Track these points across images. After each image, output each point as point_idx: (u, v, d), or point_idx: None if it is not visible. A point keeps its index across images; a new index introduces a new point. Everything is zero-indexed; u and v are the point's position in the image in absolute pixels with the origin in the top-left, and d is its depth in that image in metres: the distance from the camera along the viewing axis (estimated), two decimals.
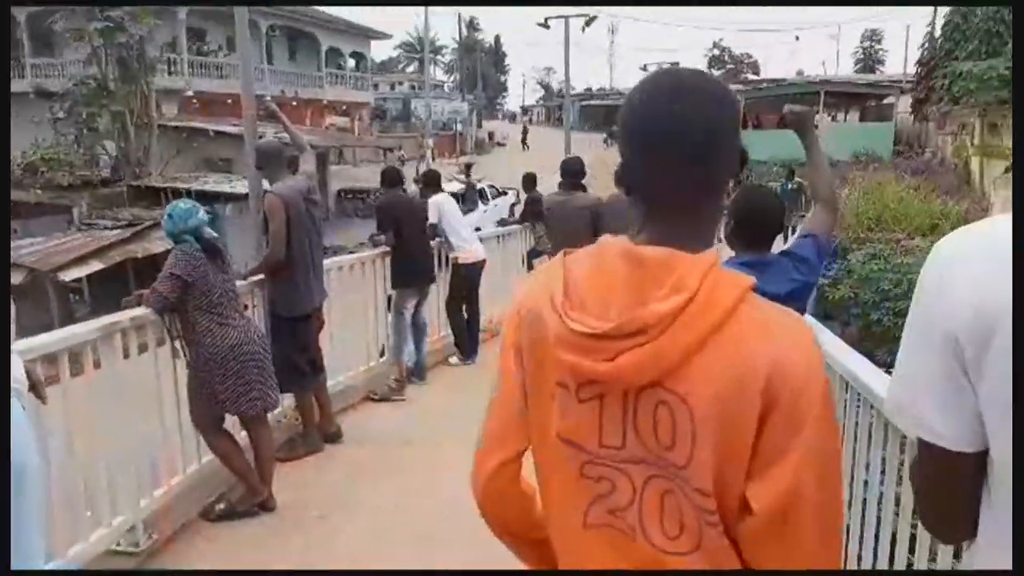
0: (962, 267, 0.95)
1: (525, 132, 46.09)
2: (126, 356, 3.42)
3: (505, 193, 20.85)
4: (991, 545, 0.99)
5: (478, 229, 9.05)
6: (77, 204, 19.47)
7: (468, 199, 19.64)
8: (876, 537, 2.31)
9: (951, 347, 0.94)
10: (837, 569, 1.04)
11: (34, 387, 2.48)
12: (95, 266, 14.60)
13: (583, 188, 6.27)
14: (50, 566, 2.58)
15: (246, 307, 3.86)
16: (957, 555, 1.74)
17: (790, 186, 14.70)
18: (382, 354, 6.15)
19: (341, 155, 31.99)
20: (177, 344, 3.59)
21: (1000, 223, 0.96)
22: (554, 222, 6.03)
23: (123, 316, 3.42)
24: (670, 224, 1.04)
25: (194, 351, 3.55)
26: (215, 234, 3.72)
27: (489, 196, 20.86)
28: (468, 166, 26.95)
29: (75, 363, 3.14)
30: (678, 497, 1.01)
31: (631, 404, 1.01)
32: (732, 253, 2.48)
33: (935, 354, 0.96)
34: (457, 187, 20.25)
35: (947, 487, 1.03)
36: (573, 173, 6.15)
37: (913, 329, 1.01)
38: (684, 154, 1.01)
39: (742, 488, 0.97)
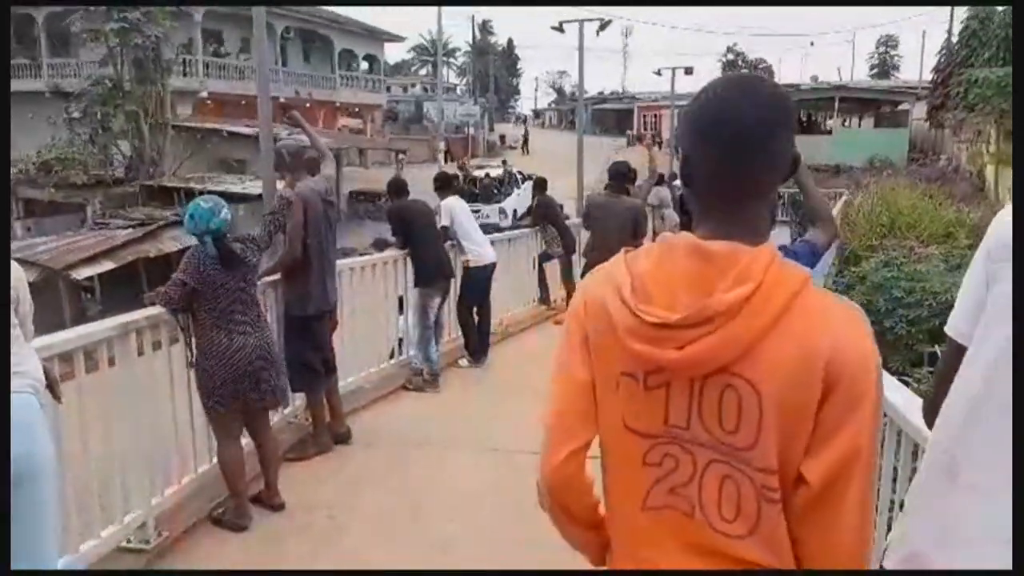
0: (1000, 216, 1.24)
1: (526, 137, 45.56)
2: (140, 354, 3.44)
3: (531, 178, 21.71)
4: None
5: (514, 212, 9.44)
6: (90, 203, 19.63)
7: (510, 183, 22.93)
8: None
9: (984, 258, 1.23)
10: (867, 543, 1.12)
11: (50, 386, 2.51)
12: (107, 265, 14.71)
13: (627, 191, 6.50)
14: (59, 564, 2.60)
15: (259, 315, 3.76)
16: None
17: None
18: (392, 356, 6.18)
19: (362, 155, 32.10)
20: (189, 343, 3.60)
21: None
22: (599, 220, 6.23)
23: (139, 315, 3.44)
24: (730, 218, 1.11)
25: (199, 352, 3.54)
26: (240, 234, 3.72)
27: (519, 182, 23.02)
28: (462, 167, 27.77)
29: (90, 360, 3.16)
30: (737, 482, 1.08)
31: (697, 391, 1.09)
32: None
33: (976, 266, 1.25)
34: (496, 173, 24.44)
35: (948, 379, 1.24)
36: (620, 176, 6.43)
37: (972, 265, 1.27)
38: (746, 149, 1.09)
39: (799, 464, 1.06)
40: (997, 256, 1.20)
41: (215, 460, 3.78)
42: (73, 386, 3.04)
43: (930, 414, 1.31)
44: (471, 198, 21.93)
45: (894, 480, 2.29)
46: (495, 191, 22.89)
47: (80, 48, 23.70)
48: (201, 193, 19.77)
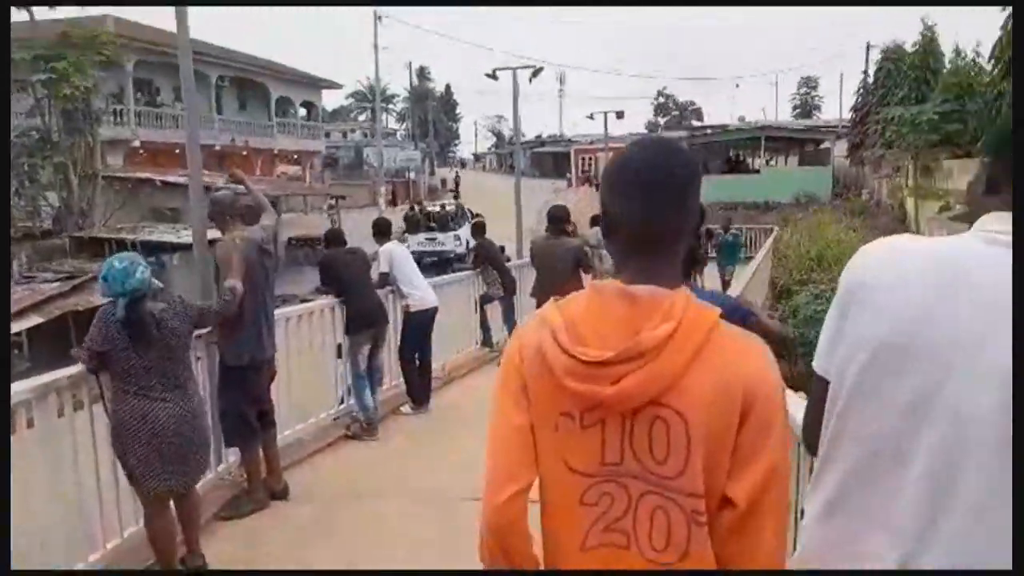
0: (860, 259, 1.24)
1: (457, 181, 45.67)
2: (60, 415, 3.31)
3: (480, 215, 24.15)
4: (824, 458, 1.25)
5: (466, 242, 9.83)
6: (17, 257, 18.91)
7: (460, 216, 25.11)
8: None
9: (843, 298, 1.23)
10: (785, 547, 1.21)
11: None
12: (34, 320, 14.15)
13: (567, 233, 6.83)
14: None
15: (186, 379, 3.49)
16: None
17: (729, 237, 15.05)
18: (342, 402, 6.10)
19: (305, 201, 31.77)
20: (106, 408, 3.37)
21: (899, 236, 1.29)
22: (543, 261, 6.46)
23: (60, 374, 3.32)
24: (649, 263, 1.23)
25: (115, 419, 3.29)
26: (159, 287, 3.44)
27: (470, 215, 24.39)
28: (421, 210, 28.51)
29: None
30: (667, 511, 1.18)
31: (628, 426, 1.18)
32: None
33: (835, 307, 1.25)
34: (450, 208, 27.14)
35: (816, 407, 1.29)
36: (559, 219, 6.73)
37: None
38: (665, 200, 1.23)
39: (721, 488, 1.17)
40: (848, 298, 1.24)
41: (141, 523, 3.64)
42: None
43: (809, 439, 1.36)
44: (428, 228, 24.69)
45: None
46: (449, 221, 25.18)
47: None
48: (133, 244, 19.27)
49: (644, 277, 1.21)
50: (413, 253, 23.86)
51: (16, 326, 13.97)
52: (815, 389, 1.30)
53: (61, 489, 3.28)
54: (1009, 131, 1.25)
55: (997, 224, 1.17)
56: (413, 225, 25.40)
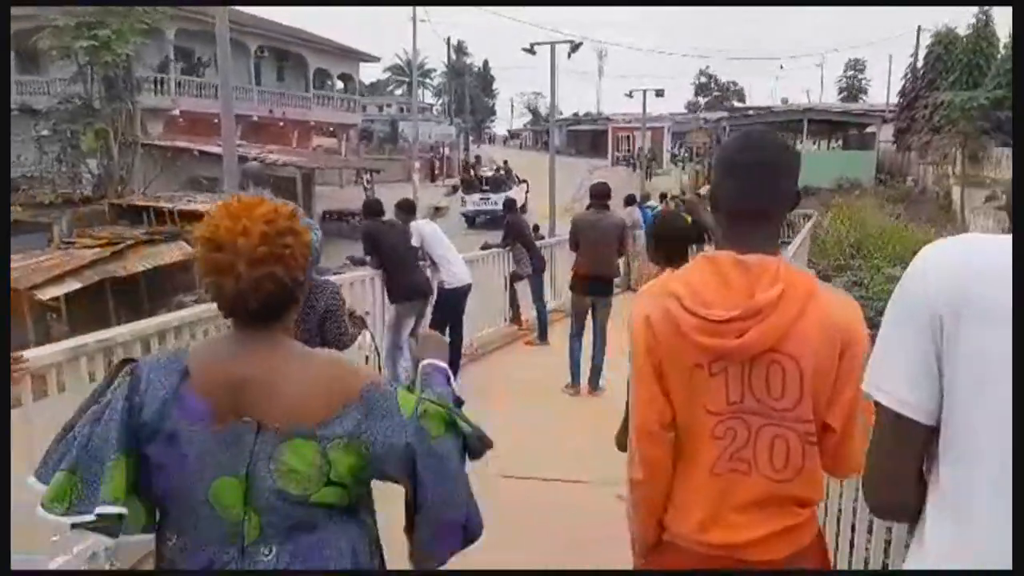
0: (938, 257, 1.11)
1: (508, 169, 43.48)
2: (92, 380, 3.33)
3: (526, 180, 29.52)
4: (937, 519, 1.11)
5: (513, 201, 10.25)
6: (57, 222, 19.29)
7: (509, 179, 29.32)
8: None
9: (932, 328, 1.07)
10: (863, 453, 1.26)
11: None
12: (73, 285, 14.43)
13: (608, 208, 6.94)
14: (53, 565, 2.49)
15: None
16: None
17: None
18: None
19: (349, 176, 31.98)
20: None
21: (973, 236, 1.19)
22: (589, 235, 6.55)
23: (89, 338, 3.35)
24: (754, 235, 1.51)
25: None
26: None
27: (517, 179, 29.76)
28: (455, 188, 29.00)
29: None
30: (785, 438, 1.47)
31: (747, 371, 1.46)
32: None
33: (915, 333, 1.09)
34: (501, 172, 31.18)
35: (900, 455, 1.13)
36: (602, 195, 6.87)
37: (895, 315, 1.15)
38: (771, 180, 1.53)
39: (823, 415, 1.48)
40: (953, 311, 1.05)
41: None
42: (19, 414, 2.94)
43: (879, 490, 1.20)
44: (482, 190, 28.09)
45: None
46: (500, 184, 28.07)
47: (49, 66, 23.41)
48: (171, 213, 19.51)
49: (749, 247, 1.48)
50: (469, 211, 25.16)
51: (55, 291, 14.28)
52: (891, 430, 1.13)
53: None
54: None
55: None
56: (469, 187, 29.00)
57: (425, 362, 1.72)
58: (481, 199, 27.00)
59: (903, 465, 1.14)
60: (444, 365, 1.75)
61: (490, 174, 31.27)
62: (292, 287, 1.43)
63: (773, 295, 1.40)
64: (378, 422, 1.39)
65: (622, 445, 2.84)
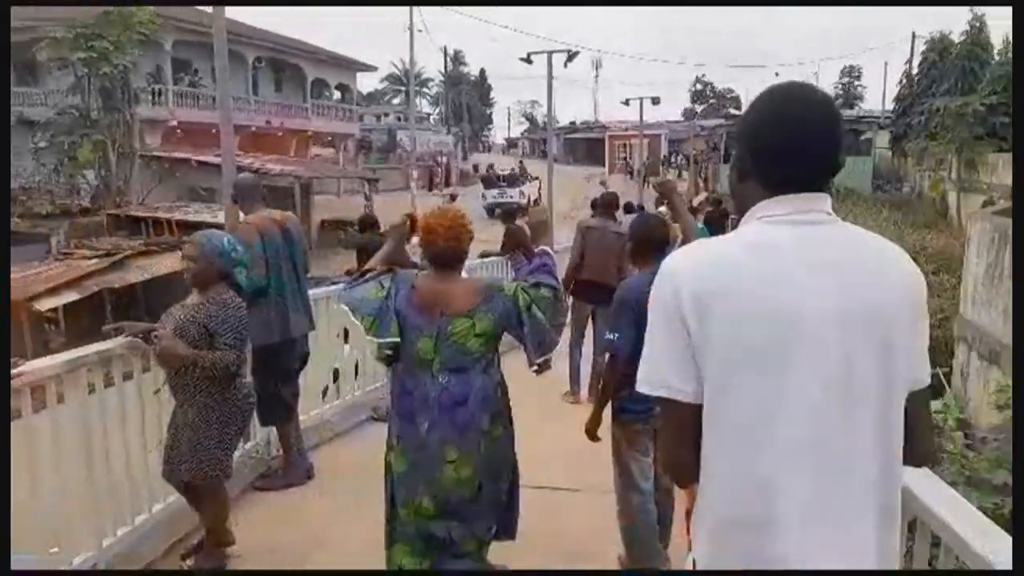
0: (680, 263, 1.36)
1: (524, 169, 42.78)
2: (91, 391, 3.33)
3: (538, 177, 31.65)
4: (709, 477, 1.35)
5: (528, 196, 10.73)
6: (55, 233, 19.27)
7: (524, 176, 33.53)
8: None
9: (683, 324, 1.30)
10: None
11: None
12: (71, 296, 14.40)
13: (615, 218, 7.00)
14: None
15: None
16: None
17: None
18: (324, 393, 5.96)
19: (347, 185, 31.97)
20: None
21: (709, 242, 1.40)
22: (593, 243, 6.61)
23: (89, 350, 3.34)
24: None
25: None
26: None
27: (531, 177, 33.33)
28: (453, 196, 29.08)
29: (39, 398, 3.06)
30: None
31: None
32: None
33: (672, 333, 1.32)
34: (516, 170, 35.53)
35: (681, 434, 1.36)
36: (608, 204, 7.08)
37: (652, 320, 1.37)
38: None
39: None
40: (696, 308, 1.29)
41: (169, 499, 3.67)
42: (21, 425, 2.94)
43: (675, 470, 1.45)
44: (499, 186, 31.69)
45: None
46: (515, 181, 32.52)
47: (47, 77, 23.45)
48: (169, 223, 19.45)
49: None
50: (488, 204, 26.83)
51: (53, 302, 14.25)
52: (673, 414, 1.37)
53: (90, 464, 3.30)
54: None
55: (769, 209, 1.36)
56: (489, 183, 32.61)
57: (538, 248, 3.17)
58: (499, 193, 30.36)
59: (682, 437, 1.36)
60: (548, 250, 3.15)
61: (507, 172, 35.49)
62: (461, 253, 2.86)
63: None
64: (495, 301, 2.81)
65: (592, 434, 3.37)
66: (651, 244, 3.38)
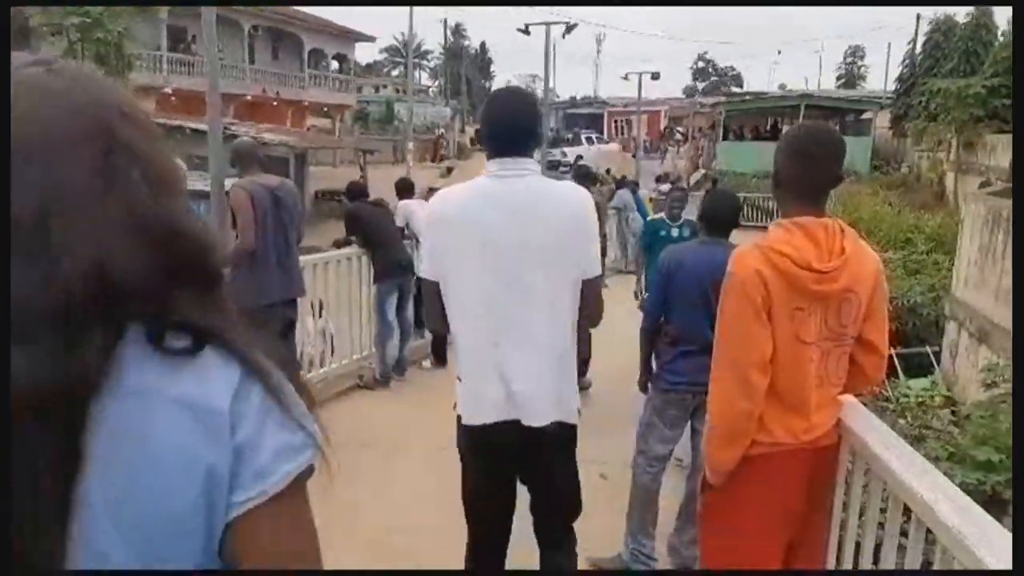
0: (438, 201, 2.27)
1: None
2: None
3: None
4: (456, 326, 2.25)
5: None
6: None
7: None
8: None
9: (434, 236, 2.28)
10: None
11: None
12: None
13: (590, 188, 6.84)
14: None
15: None
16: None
17: None
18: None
19: (343, 156, 31.78)
20: None
21: (456, 186, 2.33)
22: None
23: None
24: (821, 204, 2.04)
25: None
26: None
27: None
28: (449, 169, 28.50)
29: None
30: (843, 355, 2.04)
31: (825, 307, 1.97)
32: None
33: (431, 240, 2.32)
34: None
35: (428, 302, 2.31)
36: (583, 177, 7.16)
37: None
38: (836, 165, 2.07)
39: (864, 331, 2.05)
40: (442, 222, 2.20)
41: None
42: None
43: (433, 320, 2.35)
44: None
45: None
46: None
47: (40, 42, 23.17)
48: None
49: (819, 213, 2.00)
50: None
51: None
52: (431, 289, 2.24)
53: None
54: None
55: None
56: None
57: None
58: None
59: (436, 306, 2.25)
60: None
61: None
62: None
63: (850, 249, 1.95)
64: None
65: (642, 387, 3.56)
66: (721, 219, 3.35)
